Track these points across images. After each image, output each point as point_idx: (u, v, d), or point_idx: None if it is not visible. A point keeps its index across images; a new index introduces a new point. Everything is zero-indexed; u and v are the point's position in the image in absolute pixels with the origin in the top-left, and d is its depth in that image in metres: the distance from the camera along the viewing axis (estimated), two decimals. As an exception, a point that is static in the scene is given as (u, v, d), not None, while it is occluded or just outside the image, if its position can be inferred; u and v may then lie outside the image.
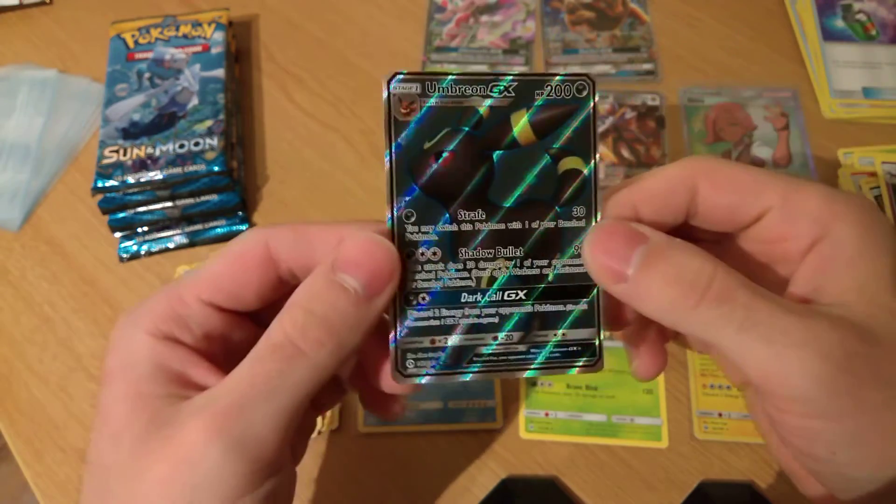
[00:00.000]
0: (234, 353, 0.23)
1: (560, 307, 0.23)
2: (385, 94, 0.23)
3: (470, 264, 0.23)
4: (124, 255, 0.52)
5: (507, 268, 0.23)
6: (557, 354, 0.23)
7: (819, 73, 0.58)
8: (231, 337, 0.24)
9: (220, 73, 0.55)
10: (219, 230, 0.53)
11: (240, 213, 0.53)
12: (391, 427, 0.45)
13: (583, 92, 0.23)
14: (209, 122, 0.52)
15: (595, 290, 0.23)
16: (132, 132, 0.52)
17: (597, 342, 0.23)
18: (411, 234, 0.22)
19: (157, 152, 0.50)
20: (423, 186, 0.22)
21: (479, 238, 0.23)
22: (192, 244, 0.53)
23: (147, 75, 0.55)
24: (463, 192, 0.22)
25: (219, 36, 0.57)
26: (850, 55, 0.59)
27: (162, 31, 0.57)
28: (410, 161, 0.23)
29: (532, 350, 0.23)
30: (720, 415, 0.44)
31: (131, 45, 0.56)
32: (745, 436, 0.44)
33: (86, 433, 0.46)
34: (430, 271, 0.22)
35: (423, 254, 0.22)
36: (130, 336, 0.22)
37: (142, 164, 0.50)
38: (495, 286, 0.23)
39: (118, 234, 0.52)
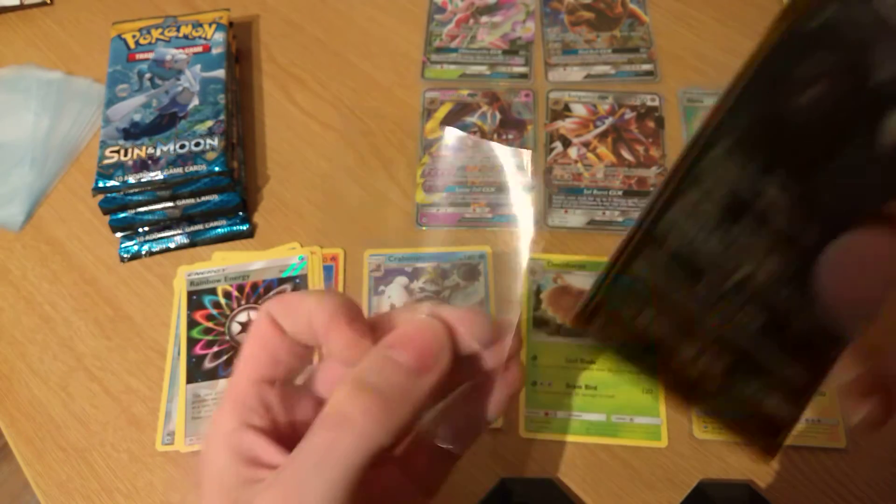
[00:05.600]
0: (302, 429, 0.24)
1: (779, 361, 0.18)
2: None
3: (734, 250, 0.17)
4: (125, 255, 0.52)
5: (767, 282, 0.17)
6: (740, 416, 0.18)
7: (818, 73, 0.58)
8: (294, 412, 0.25)
9: (220, 73, 0.55)
10: (219, 230, 0.53)
11: (240, 213, 0.53)
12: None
13: None
14: (210, 123, 0.52)
15: (828, 367, 0.18)
16: (133, 132, 0.52)
17: (786, 429, 0.18)
18: (709, 162, 0.16)
19: (158, 152, 0.51)
20: (767, 114, 0.16)
21: (766, 227, 0.17)
22: (192, 244, 0.53)
23: (148, 76, 0.55)
24: (796, 156, 0.16)
25: (219, 37, 0.57)
26: (850, 56, 0.59)
27: (163, 31, 0.57)
28: (778, 69, 0.16)
29: (722, 393, 0.18)
30: (719, 414, 0.45)
31: (132, 45, 0.57)
32: (744, 435, 0.44)
33: (86, 432, 0.47)
34: (692, 224, 0.17)
35: (699, 201, 0.17)
36: (209, 437, 0.24)
37: (142, 165, 0.50)
38: (739, 292, 0.17)
39: (119, 234, 0.53)
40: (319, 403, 0.25)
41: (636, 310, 0.17)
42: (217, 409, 0.25)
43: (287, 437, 0.24)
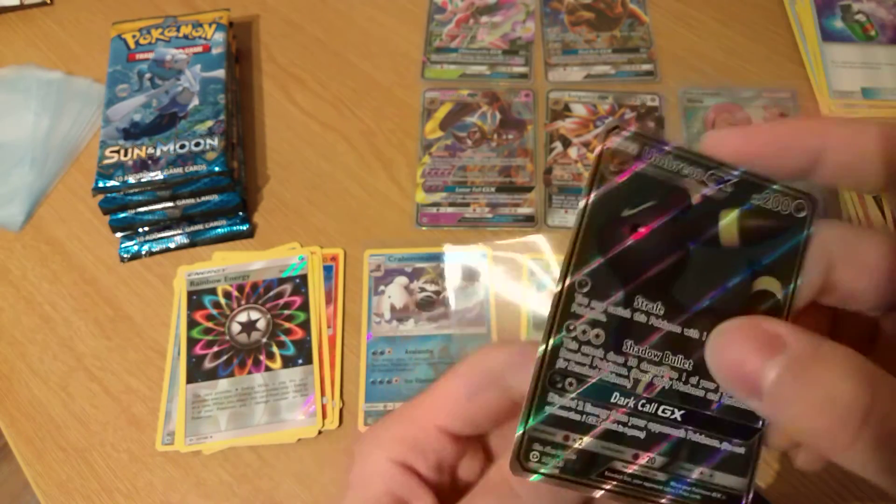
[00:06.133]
0: (459, 487, 0.23)
1: (714, 442, 0.20)
2: (600, 148, 0.20)
3: (632, 361, 0.19)
4: (125, 255, 0.52)
5: (672, 379, 0.19)
6: (698, 497, 0.20)
7: (818, 73, 0.58)
8: (460, 468, 0.23)
9: (220, 73, 0.55)
10: (219, 230, 0.53)
11: (240, 213, 0.53)
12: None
13: (801, 212, 0.20)
14: (210, 123, 0.52)
15: (757, 435, 0.20)
16: (133, 132, 0.52)
17: (745, 497, 0.20)
18: (579, 304, 0.19)
19: (158, 152, 0.51)
20: (608, 257, 0.19)
21: (651, 335, 0.19)
22: (192, 244, 0.53)
23: (148, 76, 0.55)
24: (649, 277, 0.19)
25: (219, 36, 0.57)
26: (849, 55, 0.59)
27: (163, 31, 0.57)
28: (603, 225, 0.19)
29: (672, 483, 0.19)
30: (719, 414, 0.45)
31: (132, 45, 0.57)
32: (744, 435, 0.44)
33: (86, 432, 0.47)
34: (586, 355, 0.19)
35: (584, 332, 0.19)
36: (373, 455, 0.22)
37: (142, 165, 0.50)
38: (653, 395, 0.19)
39: (119, 234, 0.53)
40: (489, 460, 0.23)
41: (563, 437, 0.19)
42: (393, 419, 0.23)
43: (447, 488, 0.23)
